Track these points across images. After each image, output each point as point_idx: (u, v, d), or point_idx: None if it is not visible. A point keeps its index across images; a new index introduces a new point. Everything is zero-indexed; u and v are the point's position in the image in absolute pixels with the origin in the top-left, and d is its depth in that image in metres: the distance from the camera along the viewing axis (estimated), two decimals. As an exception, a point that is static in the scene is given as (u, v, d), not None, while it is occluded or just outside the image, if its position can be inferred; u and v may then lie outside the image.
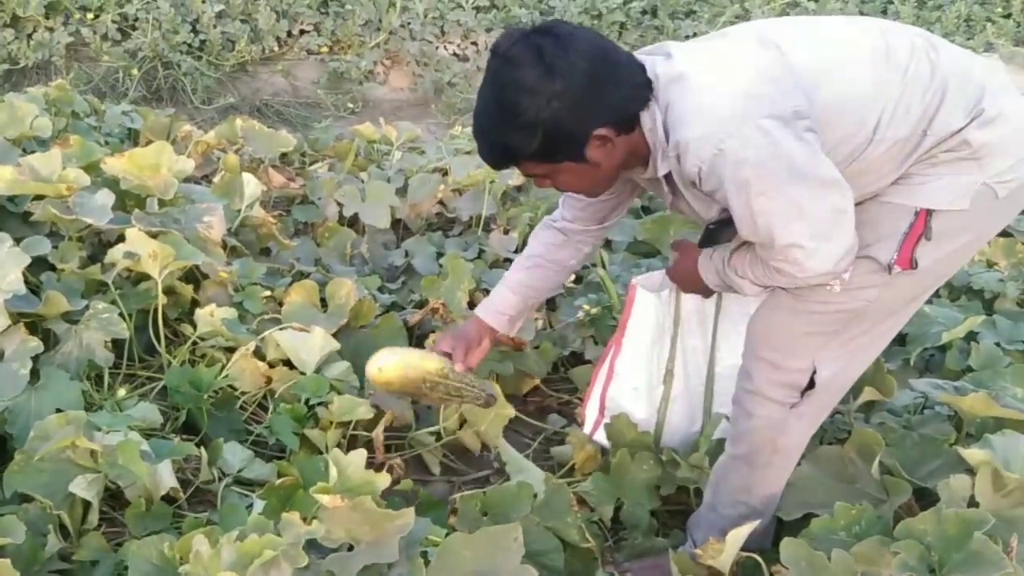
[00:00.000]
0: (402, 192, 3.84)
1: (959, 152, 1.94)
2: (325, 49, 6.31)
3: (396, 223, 3.76)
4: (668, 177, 2.02)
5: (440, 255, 3.44)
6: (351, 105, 6.05)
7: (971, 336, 2.92)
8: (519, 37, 1.92)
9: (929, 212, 1.97)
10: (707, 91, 1.90)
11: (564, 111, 1.89)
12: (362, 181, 3.88)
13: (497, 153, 2.02)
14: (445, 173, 3.98)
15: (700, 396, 2.58)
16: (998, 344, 2.91)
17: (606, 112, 1.93)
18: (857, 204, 1.95)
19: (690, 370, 2.57)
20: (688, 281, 2.39)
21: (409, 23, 6.48)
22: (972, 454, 2.12)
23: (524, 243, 3.53)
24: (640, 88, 1.94)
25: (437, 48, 6.54)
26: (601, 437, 2.59)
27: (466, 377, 2.43)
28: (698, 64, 1.95)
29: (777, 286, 2.07)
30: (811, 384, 2.14)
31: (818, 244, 1.89)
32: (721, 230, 2.19)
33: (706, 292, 2.41)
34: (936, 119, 1.94)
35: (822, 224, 1.88)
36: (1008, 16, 7.40)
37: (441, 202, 3.87)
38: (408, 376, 2.32)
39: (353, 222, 3.66)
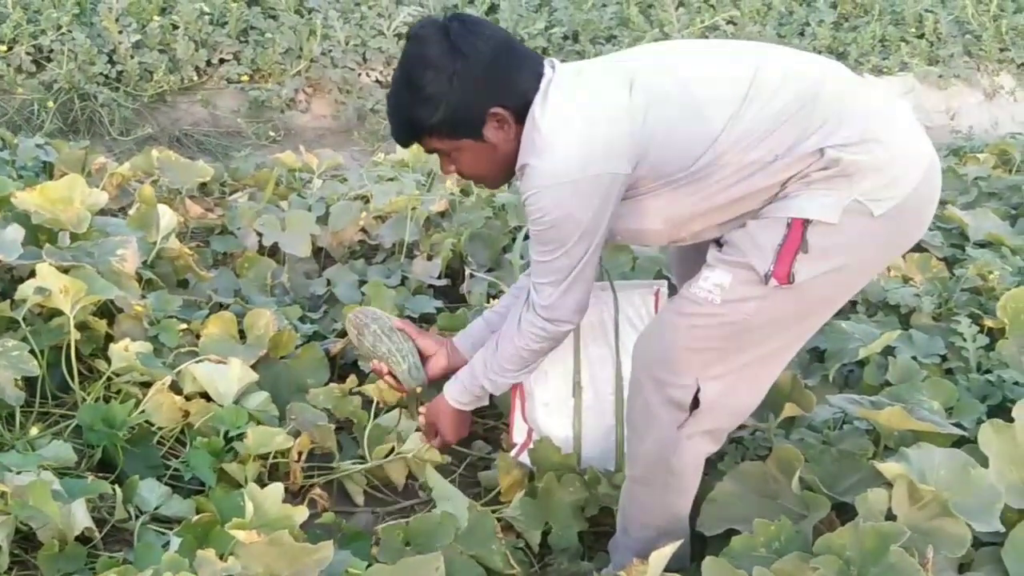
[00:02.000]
0: (323, 220, 3.81)
1: (830, 170, 2.00)
2: (246, 78, 6.26)
3: (318, 251, 3.73)
4: None
5: (363, 283, 3.42)
6: (272, 134, 6.01)
7: (888, 351, 2.96)
8: (430, 21, 2.11)
9: (804, 224, 2.02)
10: (557, 131, 2.06)
11: (464, 87, 2.05)
12: (283, 210, 3.85)
13: (404, 128, 2.16)
14: (367, 200, 3.96)
15: (611, 405, 2.58)
16: (915, 358, 2.96)
17: (504, 93, 2.08)
18: (733, 219, 2.10)
19: (598, 380, 2.58)
20: (444, 419, 2.55)
21: (330, 51, 6.45)
22: (888, 468, 2.15)
23: (447, 269, 3.58)
24: (535, 76, 2.10)
25: (359, 75, 6.52)
26: (527, 459, 2.59)
27: (407, 349, 2.58)
28: (561, 95, 2.10)
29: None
30: (696, 403, 2.15)
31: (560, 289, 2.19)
32: None
33: (460, 426, 2.60)
34: (797, 144, 2.01)
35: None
36: (921, 36, 7.57)
37: (363, 229, 3.85)
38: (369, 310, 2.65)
39: (274, 251, 3.62)
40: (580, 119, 2.06)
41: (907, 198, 2.06)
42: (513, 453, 2.63)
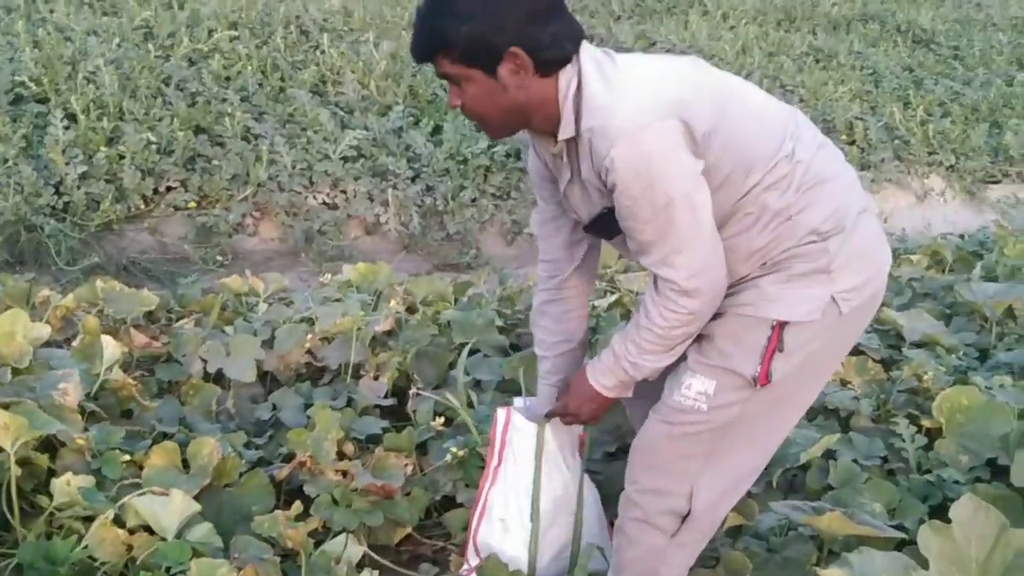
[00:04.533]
0: (269, 344, 3.81)
1: (816, 263, 2.06)
2: (193, 204, 6.32)
3: (264, 375, 3.73)
4: (571, 154, 2.11)
5: (308, 406, 3.41)
6: (220, 258, 6.04)
7: (829, 454, 3.01)
8: None
9: (783, 324, 2.07)
10: (627, 84, 2.02)
11: (495, 14, 1.99)
12: (228, 335, 3.85)
13: (424, 38, 2.07)
14: (313, 322, 3.98)
15: (568, 527, 2.59)
16: (855, 460, 3.01)
17: (531, 37, 2.01)
18: (716, 316, 2.11)
19: (559, 504, 2.58)
20: (584, 401, 2.36)
21: (277, 175, 6.54)
22: (830, 574, 2.16)
23: (393, 388, 3.58)
24: (568, 39, 2.05)
25: (306, 198, 6.60)
26: None
27: None
28: (632, 60, 2.11)
29: (659, 339, 2.12)
30: (689, 510, 2.19)
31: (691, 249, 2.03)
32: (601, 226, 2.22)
33: (598, 411, 2.39)
34: (810, 212, 2.07)
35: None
36: (853, 142, 7.82)
37: (309, 351, 3.85)
38: None
39: (219, 377, 3.61)
40: (646, 79, 2.05)
41: (872, 296, 2.16)
42: (463, 572, 2.62)
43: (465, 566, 2.64)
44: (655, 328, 2.11)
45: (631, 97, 2.00)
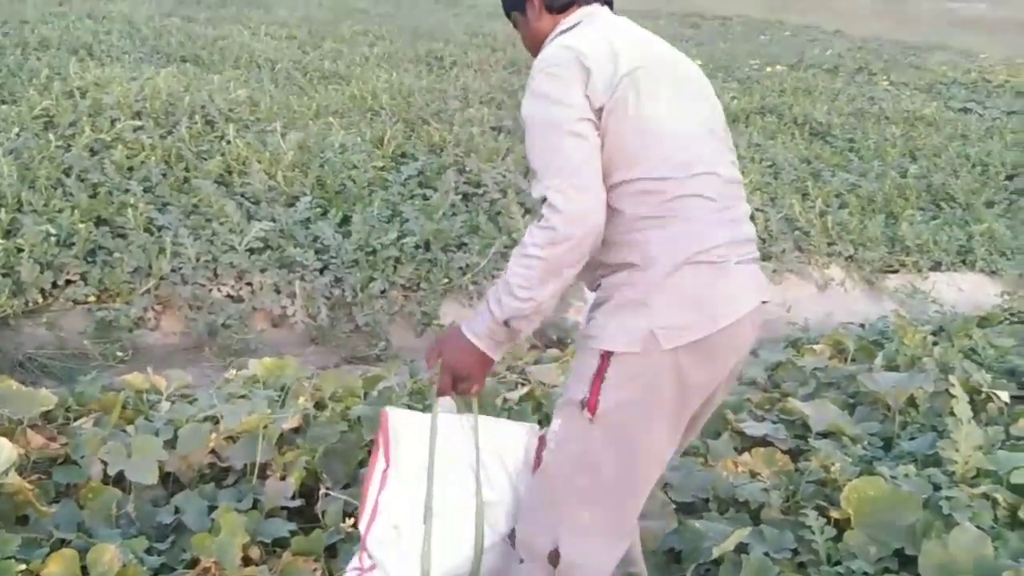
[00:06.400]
0: (171, 444, 3.71)
1: (637, 293, 2.21)
2: (93, 298, 6.16)
3: (166, 476, 3.62)
4: None
5: (213, 508, 3.32)
6: (120, 354, 5.88)
7: (742, 548, 3.02)
8: None
9: (609, 354, 2.19)
10: (571, 36, 2.39)
11: None
12: (129, 435, 3.74)
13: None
14: (217, 421, 3.89)
15: (469, 539, 2.47)
16: (767, 554, 3.02)
17: None
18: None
19: (453, 509, 2.47)
20: (455, 353, 2.36)
21: (181, 267, 6.43)
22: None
23: (301, 488, 3.51)
24: None
25: (211, 290, 6.49)
26: None
27: None
28: (618, 23, 2.50)
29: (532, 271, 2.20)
30: (556, 559, 2.23)
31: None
32: None
33: (473, 366, 2.36)
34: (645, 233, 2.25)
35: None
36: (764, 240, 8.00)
37: (214, 451, 3.75)
38: None
39: (119, 479, 3.50)
40: (601, 35, 2.34)
41: (711, 349, 2.20)
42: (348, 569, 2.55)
43: (354, 564, 2.54)
44: (521, 250, 2.21)
45: (569, 43, 2.32)
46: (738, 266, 2.29)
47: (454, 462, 2.50)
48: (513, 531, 2.42)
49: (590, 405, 2.16)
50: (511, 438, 2.56)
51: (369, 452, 3.46)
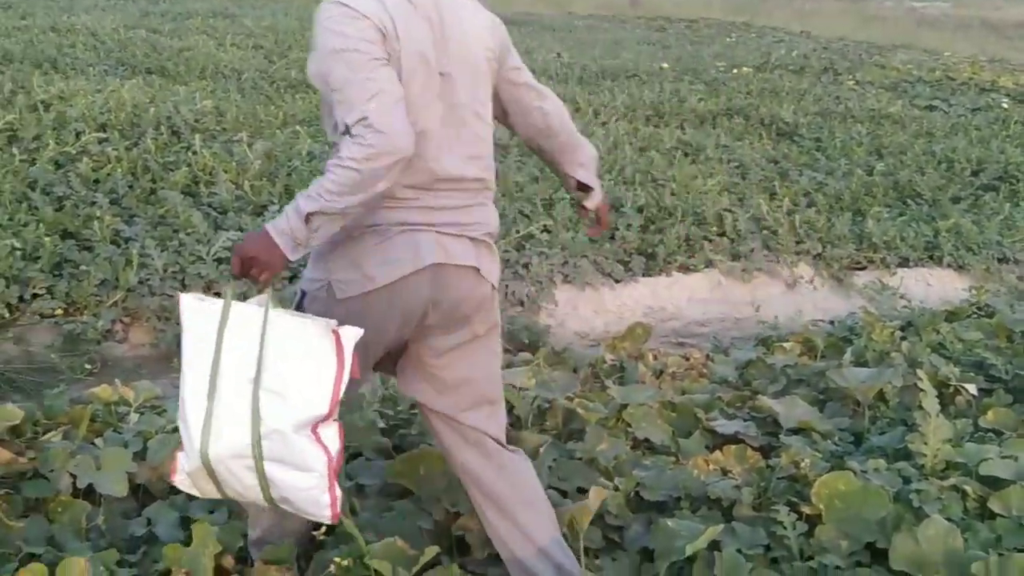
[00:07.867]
0: (141, 455, 3.69)
1: (324, 249, 2.61)
2: (60, 311, 6.10)
3: (136, 488, 3.59)
4: None
5: (185, 519, 3.30)
6: (88, 366, 5.83)
7: (715, 545, 3.03)
8: None
9: (304, 293, 2.72)
10: None
11: None
12: (98, 447, 3.71)
13: None
14: (187, 432, 3.86)
15: (245, 417, 2.49)
16: (740, 550, 3.03)
17: None
18: None
19: (233, 389, 2.49)
20: (252, 241, 2.51)
21: (148, 279, 6.39)
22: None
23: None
24: None
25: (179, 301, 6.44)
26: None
27: None
28: None
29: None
30: None
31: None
32: None
33: (264, 253, 2.48)
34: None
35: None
36: (723, 234, 8.02)
37: (184, 462, 3.73)
38: None
39: (89, 492, 3.47)
40: None
41: (389, 304, 2.59)
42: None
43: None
44: (338, 161, 2.41)
45: None
46: (402, 234, 2.59)
47: (239, 350, 2.50)
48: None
49: None
50: (302, 331, 2.52)
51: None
